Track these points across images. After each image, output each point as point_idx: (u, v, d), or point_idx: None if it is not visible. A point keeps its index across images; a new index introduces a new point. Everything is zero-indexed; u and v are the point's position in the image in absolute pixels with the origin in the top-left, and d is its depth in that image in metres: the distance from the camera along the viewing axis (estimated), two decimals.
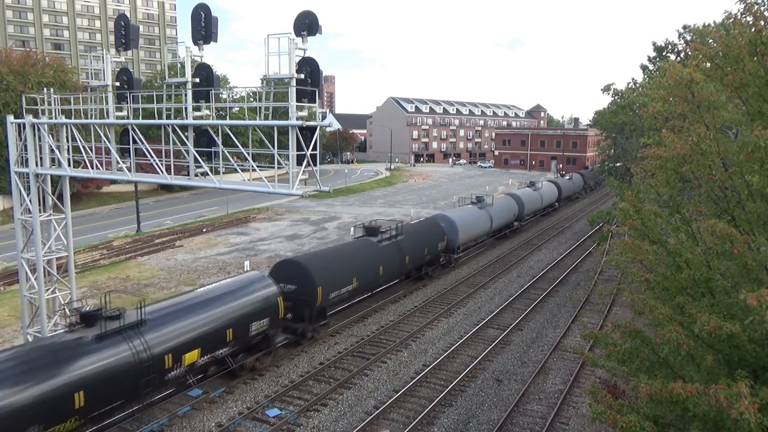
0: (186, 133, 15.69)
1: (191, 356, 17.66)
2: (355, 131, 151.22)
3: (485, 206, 42.41)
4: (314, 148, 14.00)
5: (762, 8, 10.87)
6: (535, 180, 62.33)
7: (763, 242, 9.55)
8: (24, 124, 18.60)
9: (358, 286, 26.20)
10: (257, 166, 14.84)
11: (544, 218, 59.22)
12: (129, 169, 17.20)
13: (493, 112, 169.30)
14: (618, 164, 49.46)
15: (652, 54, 47.42)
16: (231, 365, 19.94)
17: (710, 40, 14.96)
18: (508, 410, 18.93)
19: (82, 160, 18.35)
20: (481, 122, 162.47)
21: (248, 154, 14.60)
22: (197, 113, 15.79)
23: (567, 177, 72.11)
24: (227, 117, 17.70)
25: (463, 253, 39.22)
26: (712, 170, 10.47)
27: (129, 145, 16.86)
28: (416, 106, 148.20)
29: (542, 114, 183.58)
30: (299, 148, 13.85)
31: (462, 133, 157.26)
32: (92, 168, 18.15)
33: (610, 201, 61.08)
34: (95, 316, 16.34)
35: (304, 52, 13.70)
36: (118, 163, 17.46)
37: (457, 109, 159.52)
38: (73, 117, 18.82)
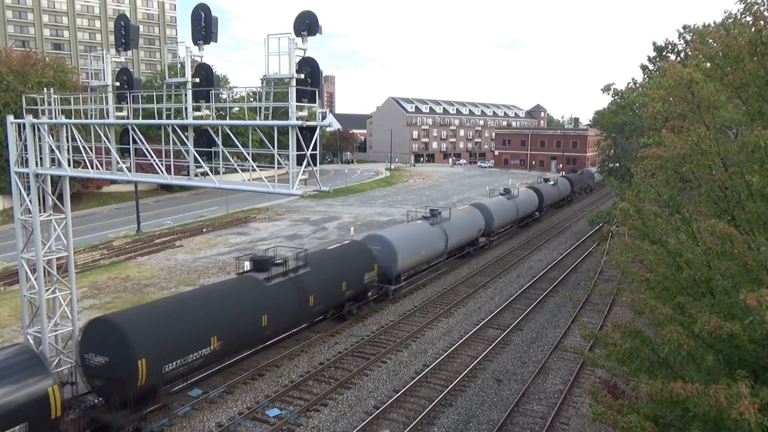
0: (186, 133, 15.68)
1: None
2: (355, 131, 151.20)
3: (440, 221, 35.09)
4: (314, 148, 13.98)
5: (762, 8, 10.87)
6: (511, 187, 52.52)
7: (763, 242, 9.55)
8: (24, 124, 18.59)
9: (220, 347, 19.09)
10: (257, 166, 14.81)
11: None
12: (129, 169, 17.18)
13: (493, 112, 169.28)
14: (617, 164, 49.45)
15: (652, 54, 47.47)
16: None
17: (710, 40, 14.97)
18: (508, 410, 18.93)
19: (82, 160, 18.33)
20: (481, 122, 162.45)
21: (248, 154, 14.58)
22: (197, 113, 15.77)
23: (551, 182, 63.23)
24: (227, 117, 17.68)
25: (405, 282, 31.77)
26: (712, 170, 10.47)
27: (129, 145, 16.84)
28: (416, 106, 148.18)
29: (542, 114, 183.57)
30: (299, 148, 13.83)
31: (462, 133, 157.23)
32: (92, 168, 18.13)
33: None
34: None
35: (304, 52, 13.68)
36: (118, 163, 17.44)
37: (457, 109, 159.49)
38: (73, 117, 18.80)
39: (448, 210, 37.19)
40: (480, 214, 41.36)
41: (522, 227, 52.14)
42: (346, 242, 29.83)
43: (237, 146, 14.81)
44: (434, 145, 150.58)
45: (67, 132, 18.73)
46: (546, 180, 63.68)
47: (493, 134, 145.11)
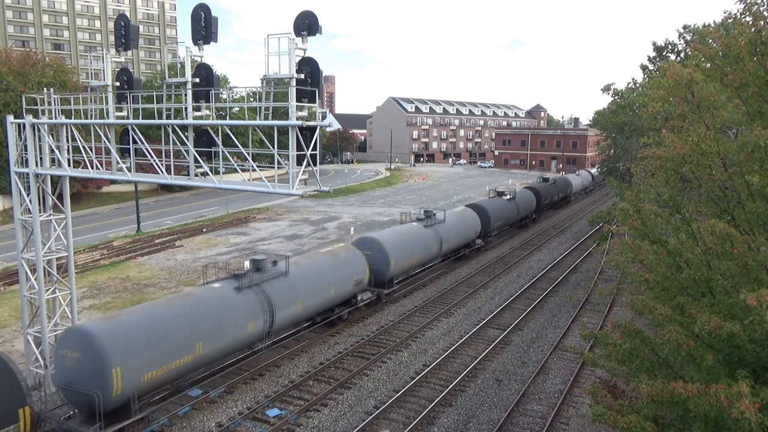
0: (186, 133, 15.68)
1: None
2: (355, 131, 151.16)
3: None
4: (314, 148, 13.99)
5: (762, 8, 10.87)
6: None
7: (763, 242, 9.55)
8: (24, 124, 18.59)
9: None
10: (257, 166, 14.82)
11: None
12: (129, 169, 17.18)
13: (493, 112, 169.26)
14: (618, 164, 49.41)
15: (652, 54, 47.44)
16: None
17: (710, 40, 14.96)
18: (508, 410, 18.93)
19: (82, 160, 18.34)
20: (481, 122, 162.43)
21: (248, 154, 14.59)
22: (197, 113, 15.77)
23: (507, 197, 48.25)
24: (227, 117, 17.68)
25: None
26: (712, 170, 10.47)
27: (129, 145, 16.84)
28: (416, 106, 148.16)
29: (542, 114, 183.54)
30: (299, 148, 13.84)
31: (462, 133, 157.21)
32: (92, 168, 18.13)
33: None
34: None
35: (304, 52, 13.69)
36: (118, 163, 17.44)
37: (457, 109, 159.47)
38: (73, 117, 18.81)
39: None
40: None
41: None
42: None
43: (237, 146, 14.82)
44: (434, 145, 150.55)
45: (67, 132, 18.74)
46: (500, 194, 48.78)
47: (493, 134, 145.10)
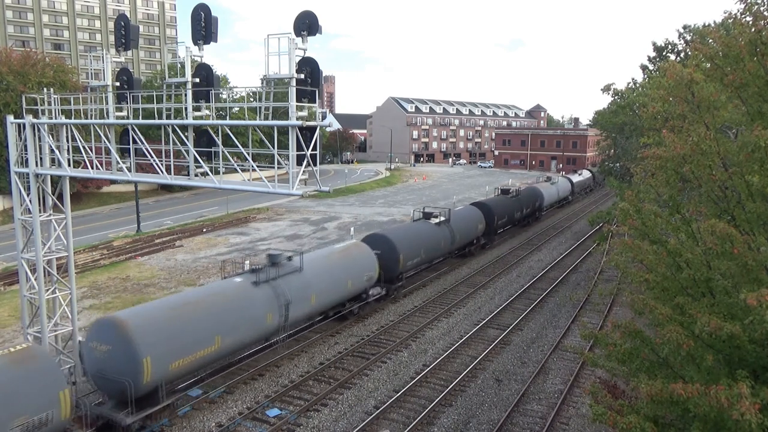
0: (186, 133, 15.67)
1: None
2: (355, 131, 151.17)
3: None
4: (314, 148, 13.98)
5: (762, 8, 10.87)
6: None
7: (763, 242, 9.55)
8: (24, 124, 18.58)
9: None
10: (257, 166, 14.81)
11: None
12: (129, 169, 17.17)
13: (493, 112, 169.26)
14: (615, 164, 49.45)
15: (652, 54, 47.47)
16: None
17: (710, 40, 14.95)
18: (508, 410, 18.93)
19: (82, 160, 18.32)
20: (481, 122, 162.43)
21: (248, 154, 14.58)
22: (197, 113, 15.76)
23: (437, 220, 35.53)
24: (227, 117, 17.67)
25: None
26: (712, 170, 10.47)
27: (129, 145, 16.83)
28: (416, 106, 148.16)
29: (542, 114, 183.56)
30: (299, 148, 13.83)
31: (462, 133, 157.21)
32: (92, 168, 18.12)
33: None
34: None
35: (304, 52, 13.68)
36: (118, 163, 17.44)
37: (457, 109, 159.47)
38: (73, 117, 18.80)
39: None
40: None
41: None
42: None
43: (237, 146, 14.81)
44: (434, 145, 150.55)
45: (67, 132, 18.73)
46: (427, 216, 35.86)
47: (493, 134, 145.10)
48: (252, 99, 39.66)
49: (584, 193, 79.39)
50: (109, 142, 17.45)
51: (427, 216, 35.66)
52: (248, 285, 21.24)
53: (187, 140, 15.58)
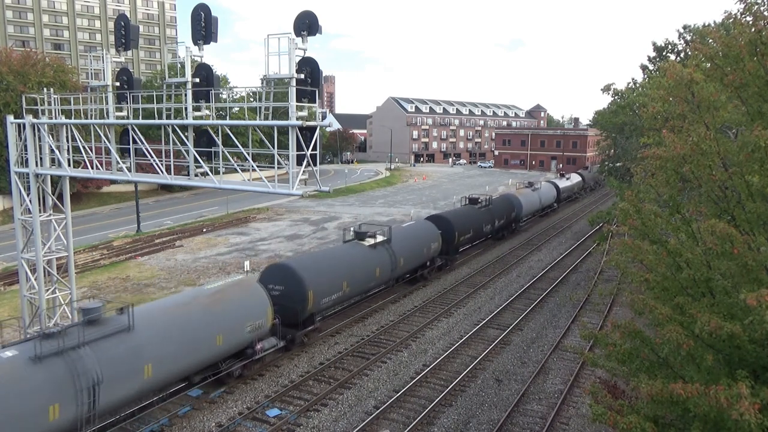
0: (186, 133, 15.69)
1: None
2: (355, 131, 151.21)
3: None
4: (314, 148, 14.00)
5: (762, 8, 10.87)
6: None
7: (763, 242, 9.55)
8: (24, 124, 18.59)
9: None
10: (257, 166, 14.83)
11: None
12: (129, 169, 17.19)
13: (493, 112, 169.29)
14: (616, 164, 49.41)
15: (652, 54, 47.44)
16: None
17: (710, 40, 14.95)
18: (508, 410, 18.93)
19: (82, 160, 18.35)
20: (481, 122, 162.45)
21: (248, 154, 14.60)
22: (197, 113, 15.78)
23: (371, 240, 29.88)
24: (227, 117, 17.69)
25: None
26: (712, 170, 10.47)
27: (129, 145, 16.86)
28: (416, 106, 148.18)
29: (542, 114, 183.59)
30: (299, 148, 13.85)
31: (462, 133, 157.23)
32: (92, 168, 18.14)
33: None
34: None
35: (304, 52, 13.70)
36: (118, 163, 17.45)
37: (457, 109, 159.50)
38: (73, 117, 18.81)
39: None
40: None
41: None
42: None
43: (237, 146, 14.83)
44: (434, 145, 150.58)
45: (67, 132, 18.74)
46: (360, 236, 29.13)
47: (493, 134, 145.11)
48: (252, 99, 39.68)
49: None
50: (109, 142, 17.46)
51: (360, 236, 28.91)
52: (22, 364, 14.08)
53: (187, 140, 15.60)
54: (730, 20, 11.45)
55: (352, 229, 31.08)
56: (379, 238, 29.10)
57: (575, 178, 73.13)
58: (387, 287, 31.39)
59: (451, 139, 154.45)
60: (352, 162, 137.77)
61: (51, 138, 18.66)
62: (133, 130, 16.72)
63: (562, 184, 65.33)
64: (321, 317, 25.46)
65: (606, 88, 31.60)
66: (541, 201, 55.34)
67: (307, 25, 13.45)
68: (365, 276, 27.23)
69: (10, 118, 19.11)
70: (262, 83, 14.24)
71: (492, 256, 38.09)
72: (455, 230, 36.32)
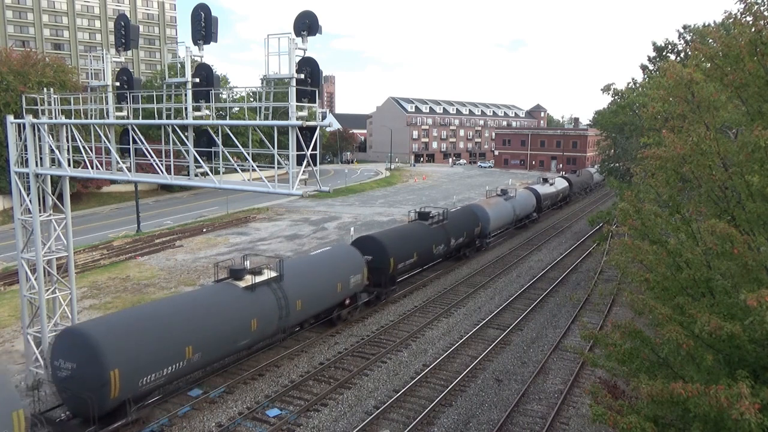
0: (186, 133, 15.68)
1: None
2: (355, 131, 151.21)
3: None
4: (314, 148, 13.99)
5: (762, 8, 10.87)
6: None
7: (763, 242, 9.55)
8: (24, 124, 18.58)
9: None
10: (257, 166, 14.82)
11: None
12: (129, 169, 17.18)
13: (493, 112, 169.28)
14: (616, 164, 49.39)
15: (652, 54, 47.38)
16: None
17: (710, 40, 14.96)
18: (508, 410, 18.93)
19: (82, 160, 18.33)
20: (481, 122, 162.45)
21: (248, 154, 14.59)
22: (197, 113, 15.77)
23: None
24: (227, 117, 17.68)
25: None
26: (712, 170, 10.46)
27: (129, 145, 16.84)
28: (416, 106, 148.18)
29: (542, 114, 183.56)
30: (299, 148, 13.84)
31: (462, 133, 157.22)
32: (92, 168, 18.13)
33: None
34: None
35: (304, 52, 13.69)
36: (118, 163, 17.44)
37: (457, 109, 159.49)
38: (73, 117, 18.80)
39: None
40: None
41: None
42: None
43: (237, 146, 14.81)
44: (434, 145, 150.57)
45: (67, 132, 18.73)
46: (237, 276, 21.62)
47: (493, 134, 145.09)
48: (252, 99, 39.67)
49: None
50: (109, 142, 17.46)
51: (236, 274, 21.26)
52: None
53: (187, 140, 15.59)
54: (730, 20, 11.45)
55: (233, 263, 23.48)
56: (269, 274, 22.15)
57: (560, 183, 65.68)
58: (284, 338, 23.55)
59: (451, 139, 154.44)
60: (352, 162, 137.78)
61: (51, 138, 18.65)
62: (133, 130, 16.71)
63: (544, 190, 57.68)
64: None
65: (606, 88, 31.60)
66: (516, 212, 48.05)
67: (307, 25, 13.44)
68: (236, 331, 19.73)
69: (10, 118, 19.10)
70: (262, 83, 14.23)
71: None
72: (390, 256, 28.85)
